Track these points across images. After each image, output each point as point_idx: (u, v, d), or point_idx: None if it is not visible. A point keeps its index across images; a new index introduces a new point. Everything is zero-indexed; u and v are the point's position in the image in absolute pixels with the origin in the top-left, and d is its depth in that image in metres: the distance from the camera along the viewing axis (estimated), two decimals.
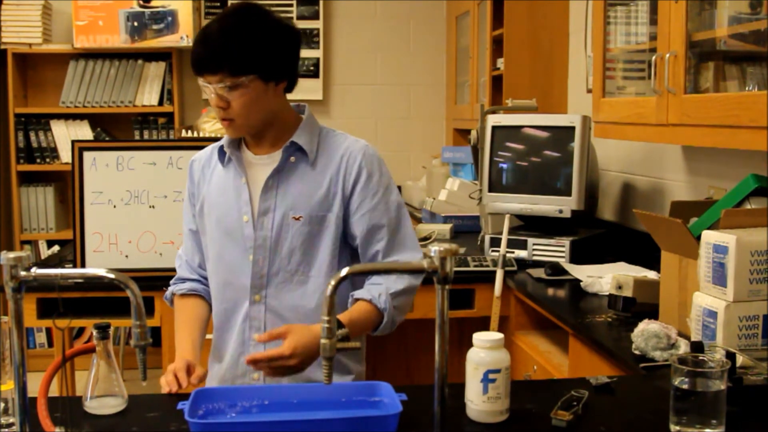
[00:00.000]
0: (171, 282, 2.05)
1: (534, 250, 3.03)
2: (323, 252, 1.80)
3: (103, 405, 1.50)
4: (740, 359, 1.58)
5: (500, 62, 3.92)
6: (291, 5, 4.97)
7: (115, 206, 2.84)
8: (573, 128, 3.00)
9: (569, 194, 2.99)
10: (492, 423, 1.42)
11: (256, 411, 1.46)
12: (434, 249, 1.22)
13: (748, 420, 1.44)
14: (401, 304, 1.80)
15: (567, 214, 3.01)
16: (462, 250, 3.23)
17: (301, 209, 1.79)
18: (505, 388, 1.42)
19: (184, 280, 2.02)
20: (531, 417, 1.46)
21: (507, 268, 2.83)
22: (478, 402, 1.42)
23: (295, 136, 1.81)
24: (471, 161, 3.84)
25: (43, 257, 4.68)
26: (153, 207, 2.85)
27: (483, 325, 2.70)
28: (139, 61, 4.70)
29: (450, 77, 5.08)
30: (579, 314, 2.31)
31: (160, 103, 4.69)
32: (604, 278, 2.51)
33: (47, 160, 4.65)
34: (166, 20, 4.58)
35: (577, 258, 2.95)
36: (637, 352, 1.87)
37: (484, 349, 1.42)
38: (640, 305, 2.18)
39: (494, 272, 2.78)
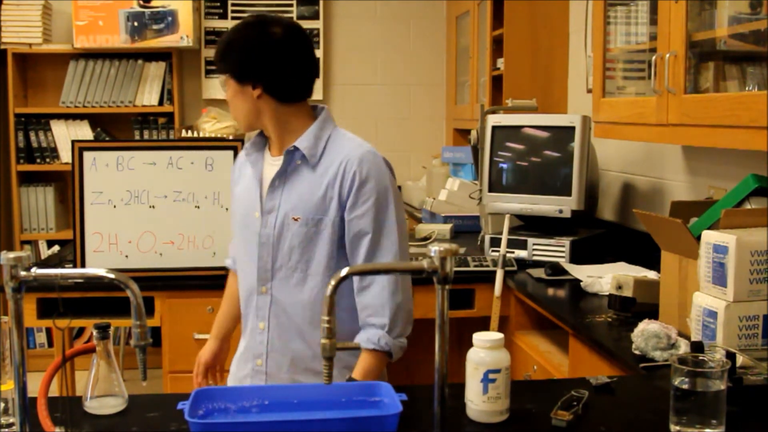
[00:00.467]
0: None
1: (534, 250, 3.03)
2: (320, 253, 1.87)
3: (103, 405, 1.50)
4: (740, 359, 1.58)
5: (500, 62, 3.93)
6: (291, 5, 4.97)
7: (115, 206, 2.84)
8: (573, 128, 3.01)
9: (569, 194, 2.99)
10: (492, 423, 1.42)
11: (256, 411, 1.46)
12: (434, 249, 1.22)
13: (748, 420, 1.44)
14: (402, 326, 1.86)
15: (567, 214, 3.01)
16: (462, 250, 3.23)
17: (300, 211, 1.87)
18: (505, 388, 1.42)
19: (233, 257, 2.19)
20: (531, 417, 1.46)
21: (507, 268, 2.83)
22: (478, 402, 1.42)
23: (299, 140, 1.88)
24: (471, 161, 3.84)
25: (43, 257, 4.68)
26: (153, 207, 2.85)
27: (483, 325, 2.70)
28: (139, 61, 4.70)
29: (450, 77, 5.08)
30: (579, 314, 2.31)
31: (160, 103, 4.69)
32: (604, 278, 2.51)
33: (47, 160, 4.65)
34: (166, 20, 4.58)
35: (577, 258, 2.95)
36: (637, 352, 1.87)
37: (484, 349, 1.42)
38: (640, 305, 2.18)
39: (494, 272, 2.78)
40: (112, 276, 1.24)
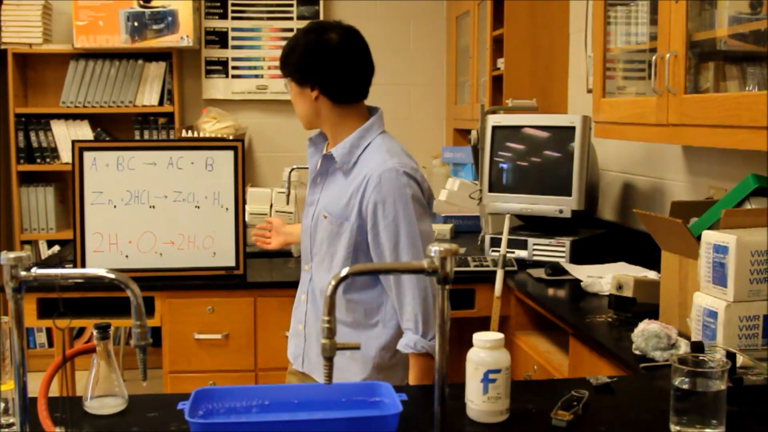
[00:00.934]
0: None
1: (534, 250, 3.03)
2: (340, 250, 2.05)
3: (103, 405, 1.50)
4: (740, 359, 1.58)
5: (500, 62, 3.92)
6: (291, 5, 4.97)
7: (115, 206, 2.84)
8: (573, 128, 3.01)
9: (569, 194, 2.99)
10: (492, 423, 1.42)
11: (257, 411, 1.46)
12: (434, 249, 1.22)
13: (748, 420, 1.44)
14: (430, 324, 1.97)
15: (567, 214, 3.01)
16: (462, 250, 3.23)
17: (329, 210, 2.06)
18: (505, 388, 1.42)
19: None
20: (531, 417, 1.46)
21: (507, 268, 2.83)
22: (478, 402, 1.42)
23: (336, 147, 2.05)
24: (471, 161, 3.84)
25: (43, 257, 4.68)
26: (153, 207, 2.85)
27: (483, 325, 2.71)
28: (140, 61, 4.70)
29: (450, 77, 5.08)
30: (579, 314, 2.31)
31: (161, 103, 4.69)
32: (604, 278, 2.51)
33: (47, 160, 4.65)
34: (167, 20, 4.58)
35: (577, 258, 2.95)
36: (637, 352, 1.87)
37: (484, 349, 1.41)
38: (640, 305, 2.18)
39: (494, 272, 2.78)
40: (112, 276, 1.24)
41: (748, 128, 1.81)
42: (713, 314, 1.73)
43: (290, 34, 2.32)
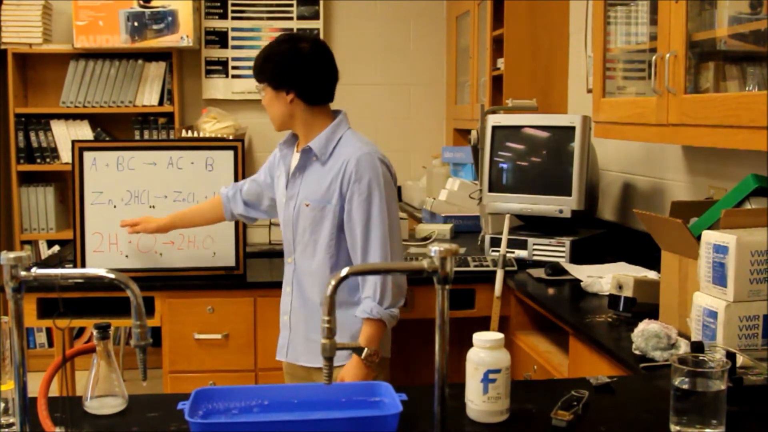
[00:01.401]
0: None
1: (534, 250, 3.03)
2: (324, 233, 2.30)
3: (103, 405, 1.50)
4: (740, 359, 1.58)
5: (500, 62, 3.93)
6: (291, 5, 4.97)
7: (115, 206, 2.84)
8: (573, 128, 3.01)
9: (569, 194, 2.99)
10: (492, 423, 1.42)
11: (257, 411, 1.46)
12: (434, 249, 1.22)
13: (748, 420, 1.44)
14: (391, 299, 2.26)
15: (567, 214, 3.01)
16: (462, 250, 3.23)
17: (310, 198, 2.30)
18: (505, 388, 1.42)
19: (231, 191, 2.67)
20: (531, 417, 1.46)
21: (507, 268, 2.83)
22: (478, 402, 1.42)
23: (313, 141, 2.30)
24: (471, 161, 3.84)
25: (43, 257, 4.68)
26: (153, 207, 2.85)
27: (483, 325, 2.70)
28: (140, 61, 4.70)
29: (450, 77, 5.08)
30: (579, 314, 2.31)
31: (160, 103, 4.69)
32: (604, 278, 2.51)
33: (47, 160, 4.65)
34: (167, 20, 4.58)
35: (577, 258, 2.95)
36: (637, 352, 1.87)
37: (484, 349, 1.42)
38: (640, 305, 2.18)
39: (494, 272, 2.78)
40: (112, 276, 1.24)
41: (748, 128, 1.81)
42: (713, 314, 1.73)
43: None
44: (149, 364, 1.32)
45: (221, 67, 4.97)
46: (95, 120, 4.71)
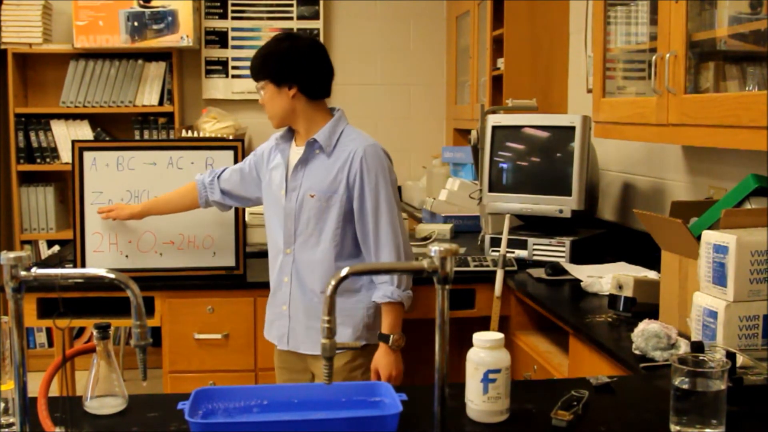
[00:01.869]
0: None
1: (534, 250, 3.03)
2: (330, 223, 2.36)
3: (103, 405, 1.50)
4: (740, 359, 1.58)
5: (500, 62, 3.93)
6: (291, 5, 4.97)
7: None
8: (573, 128, 3.01)
9: (569, 194, 2.99)
10: (492, 423, 1.42)
11: (257, 411, 1.46)
12: (434, 249, 1.22)
13: (748, 420, 1.44)
14: (406, 282, 2.34)
15: (567, 214, 3.01)
16: (462, 250, 3.23)
17: (315, 189, 2.36)
18: (505, 388, 1.42)
19: (207, 177, 2.69)
20: (531, 417, 1.46)
21: (507, 268, 2.83)
22: (478, 402, 1.42)
23: (317, 133, 2.37)
24: (471, 161, 3.84)
25: (43, 257, 4.68)
26: None
27: (483, 325, 2.70)
28: (140, 61, 4.70)
29: (450, 77, 5.08)
30: (579, 314, 2.31)
31: (160, 103, 4.69)
32: (604, 278, 2.51)
33: (47, 160, 4.65)
34: (167, 20, 4.58)
35: (577, 258, 2.95)
36: (637, 352, 1.87)
37: (484, 349, 1.42)
38: (640, 305, 2.18)
39: (494, 272, 2.78)
40: (112, 276, 1.24)
41: (748, 128, 1.81)
42: (713, 314, 1.73)
43: None
44: (149, 364, 1.32)
45: (221, 67, 4.97)
46: (95, 120, 4.71)
